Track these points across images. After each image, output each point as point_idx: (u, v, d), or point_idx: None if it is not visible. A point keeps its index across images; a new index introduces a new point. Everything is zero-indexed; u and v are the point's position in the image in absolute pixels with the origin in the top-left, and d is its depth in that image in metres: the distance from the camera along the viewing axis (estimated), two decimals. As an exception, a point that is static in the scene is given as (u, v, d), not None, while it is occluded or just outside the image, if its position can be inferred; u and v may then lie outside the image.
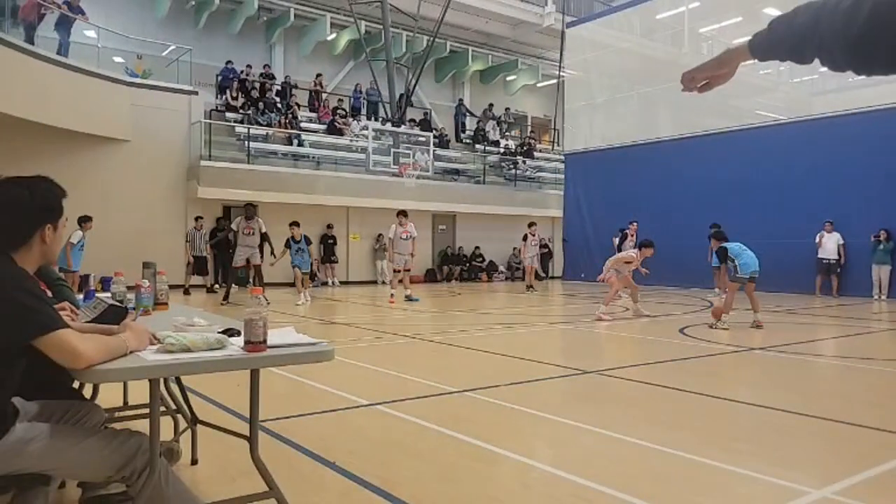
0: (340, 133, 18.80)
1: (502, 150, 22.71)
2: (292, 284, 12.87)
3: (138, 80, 15.54)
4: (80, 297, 3.19)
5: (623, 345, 7.95)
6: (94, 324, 2.28)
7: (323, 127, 18.87)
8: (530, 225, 15.86)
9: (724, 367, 6.35)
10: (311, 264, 13.03)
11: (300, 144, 17.94)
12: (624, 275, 10.15)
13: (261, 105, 17.90)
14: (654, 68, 17.75)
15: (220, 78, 17.94)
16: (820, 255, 14.08)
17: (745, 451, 3.51)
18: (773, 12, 1.27)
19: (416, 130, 19.57)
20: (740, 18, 16.41)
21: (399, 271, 12.78)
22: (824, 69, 1.16)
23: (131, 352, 1.94)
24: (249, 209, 12.22)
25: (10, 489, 1.96)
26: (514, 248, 20.13)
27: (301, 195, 16.37)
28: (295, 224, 12.06)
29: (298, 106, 18.86)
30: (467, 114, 23.43)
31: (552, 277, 21.34)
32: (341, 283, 17.85)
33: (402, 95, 20.04)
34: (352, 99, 20.47)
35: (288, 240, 12.00)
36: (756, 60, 1.30)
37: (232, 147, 16.73)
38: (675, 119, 17.57)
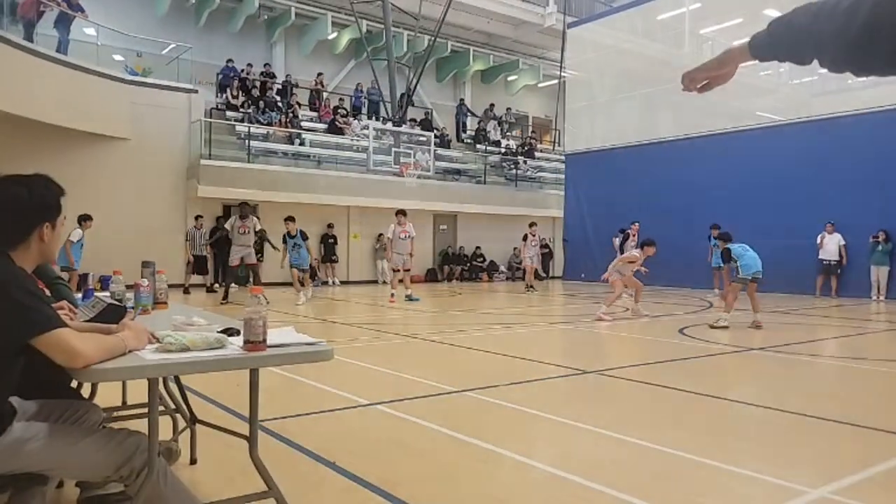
0: (341, 132, 18.79)
1: (503, 150, 22.71)
2: (292, 284, 12.84)
3: (138, 79, 15.52)
4: (79, 295, 3.19)
5: (623, 345, 7.95)
6: (93, 323, 2.28)
7: (324, 126, 18.86)
8: (531, 225, 15.88)
9: (724, 367, 6.35)
10: (311, 263, 12.95)
11: (301, 144, 17.94)
12: (627, 275, 10.15)
13: (261, 104, 17.89)
14: (655, 69, 17.74)
15: (220, 76, 17.93)
16: (821, 257, 14.08)
17: (744, 451, 3.51)
18: (774, 13, 1.27)
19: (417, 130, 19.56)
20: (741, 19, 16.39)
21: (398, 271, 12.76)
22: (824, 70, 1.16)
23: (130, 351, 1.93)
24: (244, 208, 12.18)
25: (7, 489, 1.96)
26: (515, 249, 20.13)
27: (301, 194, 16.36)
28: (290, 219, 11.93)
29: (299, 105, 18.85)
30: (468, 114, 23.43)
31: (553, 277, 21.35)
32: (342, 282, 17.84)
33: (403, 95, 20.03)
34: (353, 98, 20.46)
35: (284, 235, 11.95)
36: (756, 61, 1.30)
37: (232, 146, 16.71)
38: (675, 120, 17.57)
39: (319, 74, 19.85)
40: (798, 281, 14.01)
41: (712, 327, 8.64)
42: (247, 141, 16.69)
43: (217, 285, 14.78)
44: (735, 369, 6.31)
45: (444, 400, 4.67)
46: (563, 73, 21.70)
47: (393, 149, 17.58)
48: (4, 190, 1.94)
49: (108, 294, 2.99)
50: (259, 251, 14.03)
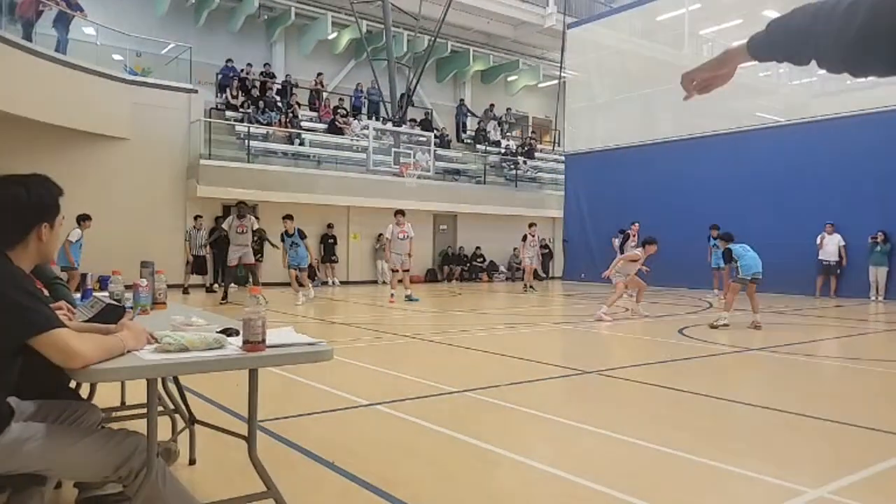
0: (341, 132, 18.79)
1: (503, 151, 22.71)
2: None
3: (138, 79, 15.51)
4: (78, 295, 3.19)
5: (623, 345, 7.95)
6: (92, 323, 2.27)
7: (323, 126, 18.86)
8: (530, 225, 15.89)
9: (724, 367, 6.36)
10: (311, 263, 12.89)
11: (301, 144, 17.93)
12: (630, 275, 10.14)
13: (261, 104, 17.88)
14: (655, 70, 17.73)
15: (220, 76, 17.92)
16: (820, 257, 14.09)
17: (743, 450, 3.51)
18: (773, 14, 1.27)
19: (417, 130, 19.56)
20: (741, 20, 16.39)
21: (396, 271, 12.74)
22: (823, 71, 1.16)
23: (128, 351, 1.93)
24: (242, 207, 12.15)
25: (5, 489, 1.96)
26: (515, 249, 20.13)
27: (301, 194, 16.35)
28: (288, 217, 11.88)
29: (299, 105, 18.84)
30: (468, 114, 23.42)
31: (552, 278, 21.36)
32: (341, 282, 17.84)
33: (403, 95, 20.03)
34: (353, 98, 20.45)
35: (282, 234, 11.93)
36: (755, 61, 1.30)
37: (232, 146, 16.71)
38: (675, 120, 17.56)
39: (319, 74, 19.85)
40: (798, 281, 14.01)
41: (712, 327, 8.65)
42: (246, 141, 16.68)
43: (216, 285, 14.77)
44: (735, 369, 6.32)
45: (443, 400, 4.67)
46: (562, 74, 21.70)
47: (393, 149, 17.57)
48: (3, 190, 1.94)
49: (106, 294, 2.99)
50: (259, 251, 14.04)
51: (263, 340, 2.02)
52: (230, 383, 3.97)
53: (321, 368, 5.07)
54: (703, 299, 13.42)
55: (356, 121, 19.26)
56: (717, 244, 11.60)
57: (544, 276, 20.67)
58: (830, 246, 13.95)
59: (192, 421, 3.10)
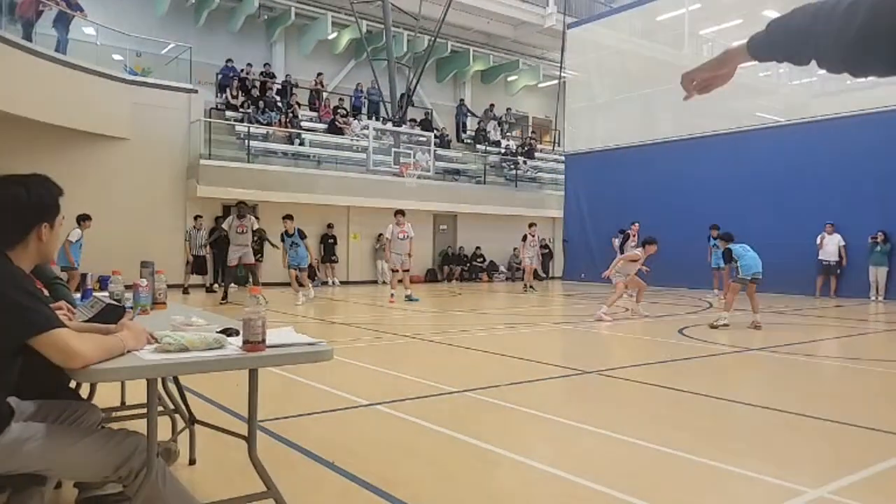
0: (341, 132, 18.79)
1: (503, 151, 22.71)
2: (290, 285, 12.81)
3: (138, 78, 15.51)
4: (78, 295, 3.19)
5: (623, 345, 7.95)
6: (92, 323, 2.27)
7: (323, 126, 18.85)
8: (530, 225, 15.90)
9: (724, 367, 6.36)
10: (311, 263, 12.89)
11: (301, 144, 17.93)
12: (630, 275, 10.13)
13: (261, 104, 17.88)
14: (655, 70, 17.73)
15: (220, 76, 17.92)
16: (820, 257, 14.09)
17: (743, 450, 3.51)
18: (773, 14, 1.27)
19: (417, 130, 19.56)
20: (741, 20, 16.39)
21: (396, 271, 12.74)
22: (823, 71, 1.16)
23: (129, 351, 1.93)
24: (242, 207, 12.15)
25: (5, 489, 1.96)
26: (515, 249, 20.13)
27: (301, 194, 16.35)
28: (288, 217, 11.88)
29: (299, 105, 18.84)
30: (468, 114, 23.42)
31: (552, 278, 21.36)
32: (341, 282, 17.84)
33: (403, 95, 20.03)
34: (353, 98, 20.45)
35: (282, 234, 11.93)
36: (755, 61, 1.30)
37: (232, 146, 16.71)
38: (675, 120, 17.56)
39: (319, 74, 19.85)
40: (798, 281, 14.01)
41: (712, 327, 8.65)
42: (246, 141, 16.68)
43: (216, 285, 14.77)
44: (735, 369, 6.32)
45: (443, 400, 4.67)
46: (562, 74, 21.69)
47: (393, 149, 17.57)
48: (3, 190, 1.94)
49: (106, 294, 2.99)
50: (259, 251, 14.04)
51: (263, 340, 2.02)
52: (230, 383, 3.97)
53: (321, 368, 5.07)
54: (703, 299, 13.42)
55: (356, 121, 19.26)
56: (717, 244, 11.60)
57: (544, 276, 20.67)
58: (830, 246, 13.95)
59: (192, 421, 3.10)
